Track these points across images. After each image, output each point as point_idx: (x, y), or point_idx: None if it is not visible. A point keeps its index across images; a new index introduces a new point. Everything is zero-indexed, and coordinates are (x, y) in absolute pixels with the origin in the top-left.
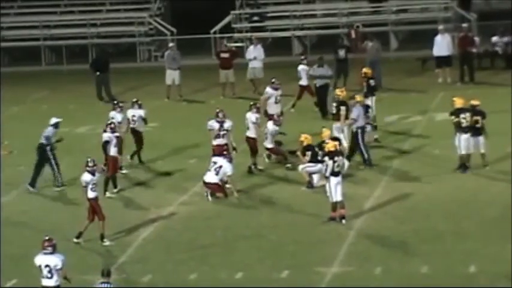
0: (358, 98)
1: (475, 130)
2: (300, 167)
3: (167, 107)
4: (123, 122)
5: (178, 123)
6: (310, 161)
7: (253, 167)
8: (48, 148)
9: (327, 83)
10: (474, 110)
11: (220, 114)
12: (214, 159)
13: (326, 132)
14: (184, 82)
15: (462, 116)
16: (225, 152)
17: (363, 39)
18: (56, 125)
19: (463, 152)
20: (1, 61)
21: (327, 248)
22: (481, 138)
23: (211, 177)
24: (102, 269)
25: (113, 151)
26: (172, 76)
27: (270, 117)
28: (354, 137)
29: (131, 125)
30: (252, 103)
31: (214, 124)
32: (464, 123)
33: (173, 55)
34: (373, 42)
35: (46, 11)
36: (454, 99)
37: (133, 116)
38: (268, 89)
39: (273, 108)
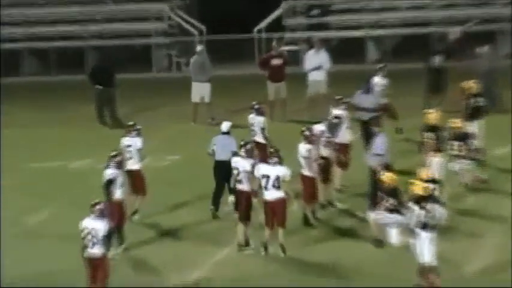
0: (456, 123)
1: None
2: (372, 215)
3: (193, 134)
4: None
5: (208, 158)
6: (389, 209)
7: (309, 215)
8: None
9: (375, 117)
10: None
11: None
12: (264, 171)
13: (423, 172)
14: (217, 100)
15: None
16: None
17: (470, 42)
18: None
19: None
20: None
21: None
22: None
23: (273, 193)
24: None
25: (118, 193)
26: (200, 91)
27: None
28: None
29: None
30: (303, 129)
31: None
32: None
33: (202, 63)
34: (489, 47)
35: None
36: None
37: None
38: (334, 110)
39: (342, 136)
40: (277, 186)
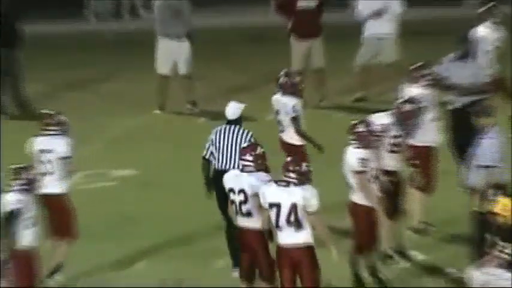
0: None
1: None
2: (476, 274)
3: (159, 132)
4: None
5: (193, 172)
6: (505, 264)
7: (365, 272)
8: None
9: (474, 103)
10: None
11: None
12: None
13: None
14: (201, 70)
15: None
16: None
17: None
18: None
19: None
20: None
21: None
22: None
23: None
24: None
25: (26, 236)
26: (172, 55)
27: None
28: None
29: None
30: (354, 122)
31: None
32: None
33: (174, 5)
34: None
35: None
36: None
37: None
38: (408, 89)
39: (423, 135)
40: (295, 223)
